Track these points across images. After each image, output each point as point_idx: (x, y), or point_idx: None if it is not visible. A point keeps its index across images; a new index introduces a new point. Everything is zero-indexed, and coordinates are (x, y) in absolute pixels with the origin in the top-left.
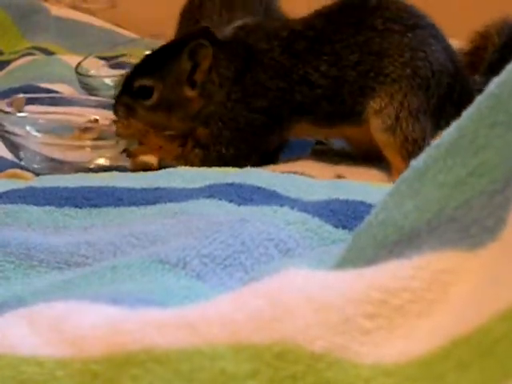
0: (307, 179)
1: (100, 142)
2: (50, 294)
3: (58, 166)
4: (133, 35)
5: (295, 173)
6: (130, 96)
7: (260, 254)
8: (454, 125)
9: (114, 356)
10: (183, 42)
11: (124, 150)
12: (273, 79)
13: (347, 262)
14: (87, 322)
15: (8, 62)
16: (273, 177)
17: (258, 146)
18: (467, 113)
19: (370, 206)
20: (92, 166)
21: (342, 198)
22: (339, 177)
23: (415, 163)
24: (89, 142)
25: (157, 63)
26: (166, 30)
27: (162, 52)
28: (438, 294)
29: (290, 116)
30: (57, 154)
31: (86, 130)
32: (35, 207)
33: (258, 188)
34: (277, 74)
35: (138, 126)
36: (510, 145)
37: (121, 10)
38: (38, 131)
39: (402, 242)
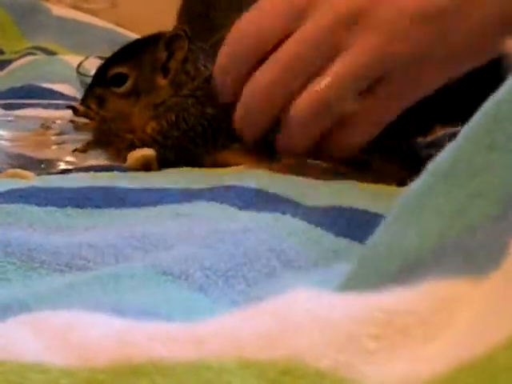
0: (308, 181)
1: (65, 137)
2: (53, 300)
3: (28, 165)
4: (134, 35)
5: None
6: (103, 86)
7: (262, 266)
8: (450, 147)
9: (120, 367)
10: (160, 35)
11: (75, 150)
12: None
13: (351, 287)
14: (93, 333)
15: (9, 62)
16: (274, 179)
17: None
18: (463, 134)
19: (373, 215)
20: (63, 165)
21: (344, 205)
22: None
23: (413, 187)
24: (53, 138)
25: (132, 52)
26: (167, 30)
27: (139, 43)
28: (443, 319)
29: (224, 139)
30: (25, 152)
31: (47, 127)
32: (37, 207)
33: (260, 191)
34: None
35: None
36: (508, 167)
37: (122, 10)
38: (3, 130)
39: (406, 270)
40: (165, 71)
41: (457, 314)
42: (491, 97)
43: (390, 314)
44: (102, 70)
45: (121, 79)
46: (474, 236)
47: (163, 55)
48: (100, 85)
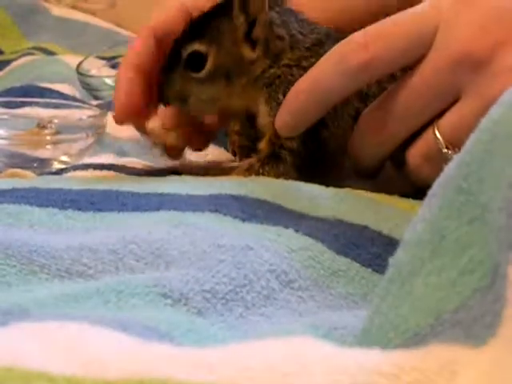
0: (310, 189)
1: (60, 136)
2: (54, 309)
3: (21, 164)
4: (133, 35)
5: None
6: (180, 72)
7: (262, 288)
8: (429, 222)
9: (127, 380)
10: None
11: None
12: None
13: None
14: (102, 346)
15: (8, 62)
16: (277, 187)
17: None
18: (441, 211)
19: (373, 231)
20: (57, 165)
21: (346, 219)
22: None
23: (396, 262)
24: (49, 137)
25: (205, 25)
26: None
27: (210, 12)
28: (446, 379)
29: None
30: (20, 150)
31: (43, 127)
32: (38, 208)
33: (263, 201)
34: None
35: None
36: (487, 239)
37: (121, 10)
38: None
39: (406, 344)
40: (251, 41)
41: (459, 376)
42: (456, 164)
43: (396, 368)
44: (173, 53)
45: (198, 61)
46: (470, 310)
47: (241, 20)
48: (177, 70)
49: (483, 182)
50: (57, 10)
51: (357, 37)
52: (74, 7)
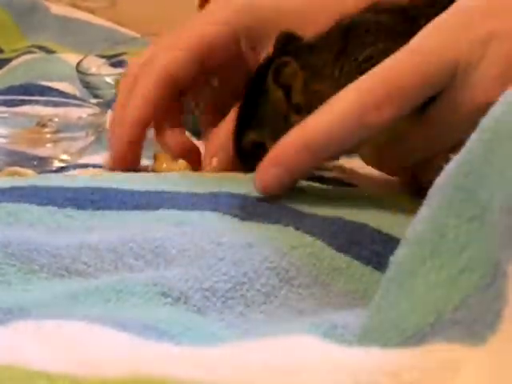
0: (310, 188)
1: (61, 135)
2: (55, 308)
3: (21, 162)
4: (133, 34)
5: None
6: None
7: (261, 285)
8: (429, 221)
9: (126, 379)
10: (262, 70)
11: None
12: None
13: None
14: (102, 346)
15: (8, 60)
16: None
17: None
18: (441, 209)
19: (373, 229)
20: (57, 163)
21: (347, 218)
22: None
23: (396, 260)
24: (49, 135)
25: (251, 110)
26: (166, 28)
27: (251, 94)
28: (447, 377)
29: None
30: (20, 149)
31: (43, 125)
32: (37, 207)
33: (262, 200)
34: None
35: None
36: (487, 238)
37: (121, 9)
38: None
39: (406, 342)
40: (295, 108)
41: (460, 374)
42: (457, 163)
43: (397, 367)
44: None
45: (259, 146)
46: (470, 309)
47: (279, 94)
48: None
49: (483, 181)
50: (56, 9)
51: (368, 96)
52: (73, 5)
